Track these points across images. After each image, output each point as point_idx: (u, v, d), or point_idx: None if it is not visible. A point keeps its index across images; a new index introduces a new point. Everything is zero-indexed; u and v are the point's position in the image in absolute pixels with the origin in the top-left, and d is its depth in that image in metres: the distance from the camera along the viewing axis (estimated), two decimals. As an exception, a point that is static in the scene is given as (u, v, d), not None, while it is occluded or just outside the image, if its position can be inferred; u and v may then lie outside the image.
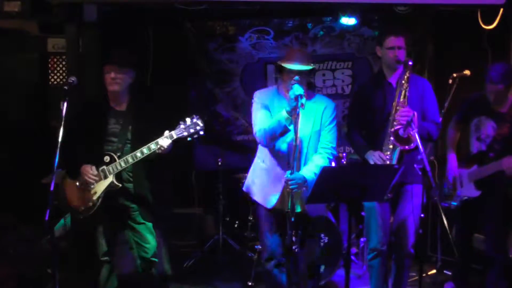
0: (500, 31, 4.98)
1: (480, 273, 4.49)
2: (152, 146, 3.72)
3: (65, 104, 3.52)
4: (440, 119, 4.07)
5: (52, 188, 3.35)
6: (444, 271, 5.11)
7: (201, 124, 3.72)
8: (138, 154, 3.75)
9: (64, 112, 3.51)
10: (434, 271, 5.15)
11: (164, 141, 3.69)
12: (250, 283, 4.82)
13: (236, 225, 5.69)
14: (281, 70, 3.71)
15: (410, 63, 3.81)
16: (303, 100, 3.67)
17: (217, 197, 5.55)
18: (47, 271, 4.53)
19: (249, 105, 3.90)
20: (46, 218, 3.28)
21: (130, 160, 3.78)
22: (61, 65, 5.53)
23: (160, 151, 3.72)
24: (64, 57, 5.37)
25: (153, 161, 3.87)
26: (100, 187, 3.84)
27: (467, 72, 4.52)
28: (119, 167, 3.80)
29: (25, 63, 5.42)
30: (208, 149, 5.86)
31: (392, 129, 3.80)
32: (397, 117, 3.78)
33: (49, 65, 5.53)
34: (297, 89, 3.48)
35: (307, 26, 6.00)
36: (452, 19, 5.30)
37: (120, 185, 3.85)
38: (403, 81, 3.82)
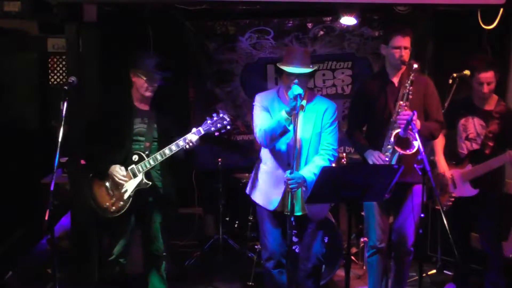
0: (500, 31, 4.98)
1: (480, 274, 4.49)
2: (181, 142, 3.78)
3: (65, 104, 3.53)
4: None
5: (52, 188, 3.35)
6: (444, 271, 5.11)
7: (228, 119, 3.78)
8: (167, 151, 3.81)
9: (64, 112, 3.51)
10: (434, 271, 5.15)
11: (192, 137, 3.75)
12: (250, 283, 4.82)
13: (236, 225, 5.69)
14: (280, 72, 3.72)
15: (416, 66, 3.80)
16: (303, 102, 3.68)
17: (217, 197, 5.55)
18: (47, 271, 4.54)
19: (250, 104, 3.91)
20: (46, 218, 3.28)
21: (159, 157, 3.83)
22: (61, 65, 5.53)
23: (188, 147, 3.76)
24: (64, 57, 5.37)
25: (179, 158, 3.92)
26: (130, 186, 3.87)
27: (467, 72, 4.52)
28: (148, 166, 3.85)
29: (25, 63, 5.42)
30: (208, 149, 5.86)
31: (393, 132, 3.80)
32: (398, 120, 3.78)
33: (49, 65, 5.53)
34: (296, 89, 3.49)
35: (307, 26, 6.00)
36: (452, 19, 5.30)
37: (150, 183, 3.88)
38: (407, 84, 3.81)
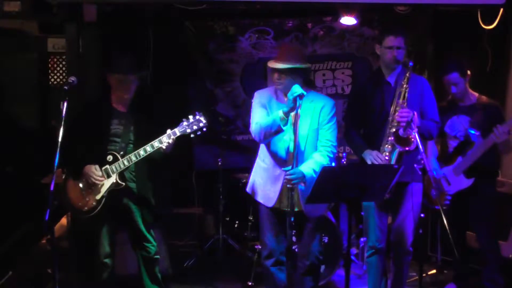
0: (500, 31, 4.98)
1: (480, 273, 4.49)
2: (156, 143, 3.76)
3: (65, 104, 3.53)
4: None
5: (52, 188, 3.35)
6: (444, 271, 5.11)
7: (204, 121, 3.77)
8: (142, 152, 3.79)
9: (64, 112, 3.51)
10: (434, 271, 5.15)
11: (167, 139, 3.72)
12: (250, 283, 4.82)
13: (236, 225, 5.69)
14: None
15: (411, 63, 3.81)
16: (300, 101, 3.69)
17: (217, 197, 5.55)
18: (47, 271, 4.54)
19: (249, 105, 3.92)
20: (46, 218, 3.28)
21: (134, 158, 3.81)
22: (61, 65, 5.53)
23: (162, 149, 3.75)
24: (64, 57, 5.37)
25: (156, 160, 3.89)
26: (103, 187, 3.85)
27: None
28: (122, 166, 3.83)
29: (25, 63, 5.41)
30: (208, 149, 5.86)
31: (392, 130, 3.80)
32: (396, 117, 3.78)
33: (49, 65, 5.52)
34: (295, 89, 3.48)
35: (307, 26, 6.00)
36: (452, 19, 5.30)
37: (124, 184, 3.86)
38: (403, 82, 3.83)
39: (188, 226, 5.87)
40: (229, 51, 6.06)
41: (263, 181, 3.83)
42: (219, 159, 5.53)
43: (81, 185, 3.88)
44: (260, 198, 3.85)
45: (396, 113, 3.79)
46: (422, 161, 3.62)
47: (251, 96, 3.89)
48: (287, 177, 3.55)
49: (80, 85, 3.89)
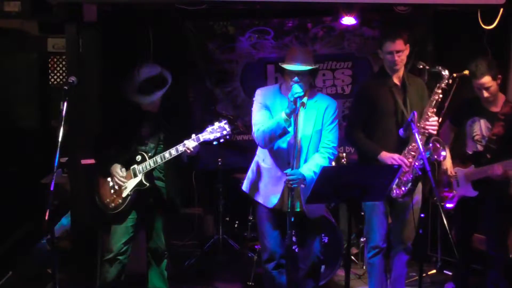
0: (500, 31, 4.98)
1: (480, 273, 4.49)
2: (180, 147, 3.80)
3: (65, 104, 3.53)
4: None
5: (52, 188, 3.36)
6: (444, 271, 5.11)
7: (228, 129, 3.79)
8: (167, 155, 3.85)
9: (64, 112, 3.51)
10: (434, 271, 5.16)
11: (191, 143, 3.77)
12: (250, 283, 4.82)
13: (236, 225, 5.69)
14: (282, 71, 3.72)
15: (445, 73, 3.85)
16: (304, 99, 3.69)
17: (217, 197, 5.55)
18: (47, 271, 4.54)
19: (249, 105, 3.91)
20: (46, 218, 3.28)
21: (159, 160, 3.88)
22: (61, 65, 5.53)
23: (187, 153, 3.79)
24: (64, 57, 5.37)
25: (184, 161, 3.92)
26: (129, 186, 3.93)
27: (467, 72, 4.51)
28: (148, 167, 3.91)
29: (25, 63, 5.42)
30: (208, 149, 5.84)
31: (419, 136, 3.69)
32: (425, 126, 3.79)
33: (49, 65, 5.53)
34: (296, 88, 3.48)
35: (307, 26, 6.00)
36: (452, 19, 5.30)
37: (148, 184, 3.92)
38: (437, 89, 3.82)
39: (188, 226, 5.87)
40: (229, 51, 6.06)
41: (263, 182, 3.82)
42: (219, 159, 5.53)
43: (110, 182, 3.97)
44: (259, 198, 3.84)
45: (426, 121, 3.80)
46: (422, 161, 3.61)
47: (251, 96, 3.89)
48: (287, 177, 3.55)
49: (80, 85, 3.89)
